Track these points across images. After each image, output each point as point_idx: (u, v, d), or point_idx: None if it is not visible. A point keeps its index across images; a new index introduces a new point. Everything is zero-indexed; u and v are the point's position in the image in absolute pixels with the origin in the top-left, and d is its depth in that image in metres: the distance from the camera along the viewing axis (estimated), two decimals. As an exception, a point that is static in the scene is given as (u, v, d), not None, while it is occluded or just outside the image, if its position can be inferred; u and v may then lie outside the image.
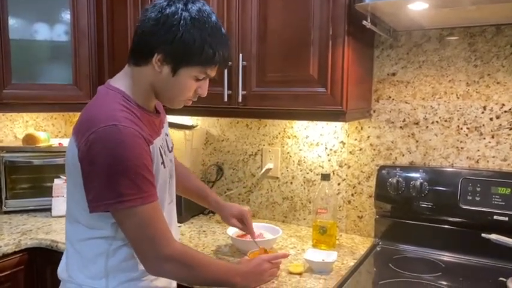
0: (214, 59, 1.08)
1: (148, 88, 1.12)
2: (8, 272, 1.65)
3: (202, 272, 1.13)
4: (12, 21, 1.89)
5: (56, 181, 2.01)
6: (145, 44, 1.07)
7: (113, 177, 1.00)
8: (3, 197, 2.03)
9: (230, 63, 1.60)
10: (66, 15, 1.97)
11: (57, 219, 1.93)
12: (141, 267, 1.11)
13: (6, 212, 2.03)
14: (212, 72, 1.13)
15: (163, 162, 1.16)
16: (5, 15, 1.87)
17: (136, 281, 1.13)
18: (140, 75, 1.11)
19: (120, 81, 1.13)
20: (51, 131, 2.44)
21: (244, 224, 1.52)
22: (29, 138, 2.10)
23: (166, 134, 1.29)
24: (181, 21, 1.04)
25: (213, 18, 1.09)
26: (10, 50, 1.89)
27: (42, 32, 1.98)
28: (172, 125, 1.96)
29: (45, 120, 2.44)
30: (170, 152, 1.29)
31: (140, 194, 1.01)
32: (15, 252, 1.66)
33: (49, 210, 2.00)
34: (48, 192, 2.02)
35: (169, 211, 1.25)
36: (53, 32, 1.99)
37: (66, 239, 1.20)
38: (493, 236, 1.37)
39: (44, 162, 2.08)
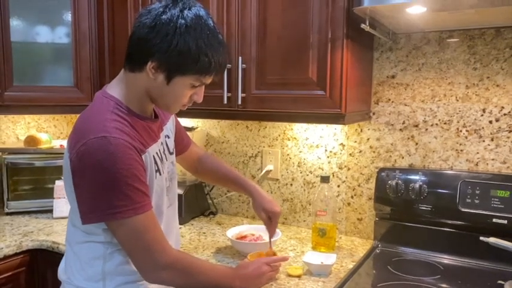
0: (210, 68, 1.06)
1: (143, 94, 1.11)
2: (10, 274, 1.66)
3: (201, 277, 1.13)
4: (13, 24, 1.90)
5: (58, 182, 2.02)
6: (140, 50, 1.05)
7: (104, 190, 1.00)
8: (5, 198, 2.05)
9: (230, 65, 1.61)
10: (68, 18, 1.98)
11: (59, 221, 1.94)
12: None
13: (8, 213, 2.04)
14: (208, 80, 1.11)
15: (158, 170, 1.15)
16: (6, 18, 1.88)
17: (133, 284, 1.14)
18: (135, 82, 1.10)
19: (115, 88, 1.12)
20: (52, 133, 2.45)
21: (270, 221, 1.48)
22: (31, 140, 2.11)
23: (168, 136, 1.28)
24: (177, 30, 1.01)
25: (210, 23, 1.06)
26: (12, 52, 1.89)
27: (44, 34, 1.99)
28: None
29: (47, 122, 2.45)
30: (171, 154, 1.29)
31: (132, 205, 1.01)
32: (16, 254, 1.67)
33: (50, 211, 2.01)
34: (49, 193, 2.03)
35: (168, 215, 1.25)
36: (54, 34, 2.00)
37: (66, 240, 1.21)
38: (492, 239, 1.37)
39: (45, 163, 2.09)
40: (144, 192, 1.05)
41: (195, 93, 1.12)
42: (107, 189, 1.00)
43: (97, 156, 0.99)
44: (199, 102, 1.16)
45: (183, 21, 1.02)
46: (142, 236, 1.04)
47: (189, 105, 1.16)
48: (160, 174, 1.17)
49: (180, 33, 1.01)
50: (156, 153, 1.17)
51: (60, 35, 2.00)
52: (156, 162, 1.15)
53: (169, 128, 1.31)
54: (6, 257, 1.64)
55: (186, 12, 1.03)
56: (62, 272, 1.22)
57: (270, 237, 1.50)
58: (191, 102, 1.16)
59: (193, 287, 1.14)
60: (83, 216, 1.04)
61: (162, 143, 1.22)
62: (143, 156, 1.08)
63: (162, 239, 1.08)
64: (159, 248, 1.07)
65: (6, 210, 2.04)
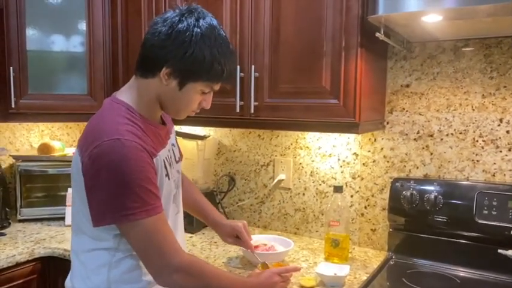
0: (222, 75, 1.10)
1: (154, 100, 1.13)
2: (21, 281, 1.67)
3: (212, 282, 1.12)
4: (29, 33, 1.93)
5: (70, 190, 2.01)
6: (155, 57, 1.08)
7: (117, 191, 1.00)
8: (18, 205, 2.06)
9: (242, 74, 1.61)
10: (82, 27, 2.00)
11: (71, 228, 1.94)
12: (144, 278, 1.11)
13: (20, 221, 2.05)
14: (217, 87, 1.15)
15: (167, 174, 1.16)
16: (23, 27, 1.91)
17: None
18: (147, 87, 1.12)
19: (125, 94, 1.14)
20: (66, 140, 2.47)
21: (241, 239, 1.46)
22: (44, 148, 2.13)
23: (173, 145, 1.29)
24: (193, 38, 1.05)
25: (222, 33, 1.10)
26: (27, 61, 1.92)
27: (59, 43, 2.01)
28: (185, 135, 1.97)
29: (60, 130, 2.47)
30: (177, 162, 1.30)
31: (145, 207, 1.02)
32: (28, 261, 1.67)
33: (63, 219, 2.02)
34: (62, 201, 2.04)
35: (175, 221, 1.24)
36: (69, 43, 2.02)
37: (72, 250, 1.20)
38: (510, 252, 1.33)
39: (58, 171, 2.10)
40: (156, 195, 1.06)
41: (203, 100, 1.16)
42: (120, 190, 1.00)
43: (110, 158, 1.00)
44: (207, 108, 1.19)
45: (198, 30, 1.05)
46: (155, 238, 1.04)
47: (196, 112, 1.19)
48: (169, 179, 1.17)
49: (195, 41, 1.05)
50: (166, 157, 1.17)
51: (75, 44, 2.02)
52: (165, 167, 1.16)
53: (173, 138, 1.32)
54: (18, 264, 1.64)
55: (201, 21, 1.07)
56: (67, 281, 1.22)
57: (252, 250, 1.47)
58: (199, 109, 1.18)
59: None
60: (95, 219, 1.04)
61: (169, 150, 1.23)
62: (154, 160, 1.09)
63: (174, 242, 1.08)
64: (172, 250, 1.06)
65: (19, 217, 2.05)
